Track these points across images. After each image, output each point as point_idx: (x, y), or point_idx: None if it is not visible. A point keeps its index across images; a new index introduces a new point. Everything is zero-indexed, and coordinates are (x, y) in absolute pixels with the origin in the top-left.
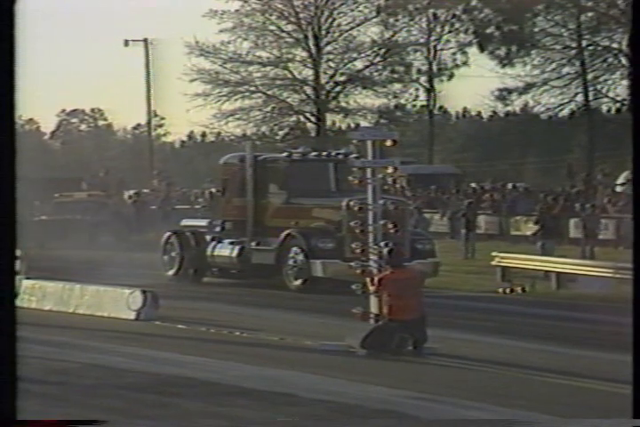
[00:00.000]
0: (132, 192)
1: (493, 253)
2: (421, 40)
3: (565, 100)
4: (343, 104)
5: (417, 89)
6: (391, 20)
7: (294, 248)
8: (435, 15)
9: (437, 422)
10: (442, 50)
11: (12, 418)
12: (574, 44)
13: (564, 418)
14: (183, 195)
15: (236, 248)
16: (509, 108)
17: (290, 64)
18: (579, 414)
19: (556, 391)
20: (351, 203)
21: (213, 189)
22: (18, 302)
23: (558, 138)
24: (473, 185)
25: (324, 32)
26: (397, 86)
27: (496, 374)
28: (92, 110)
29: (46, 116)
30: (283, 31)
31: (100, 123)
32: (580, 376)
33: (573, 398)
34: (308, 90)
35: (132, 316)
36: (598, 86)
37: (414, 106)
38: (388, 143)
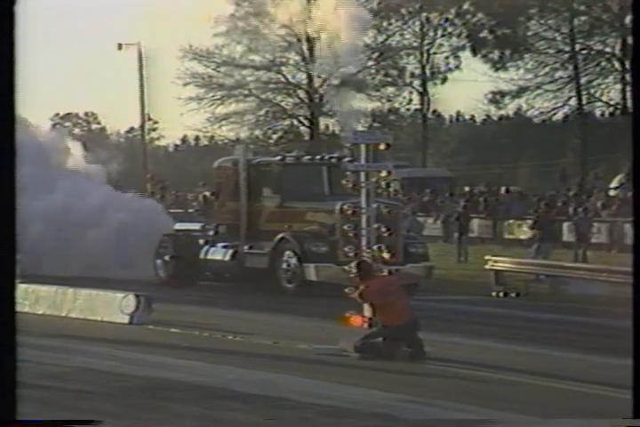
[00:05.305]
0: None
1: (487, 257)
2: (414, 44)
3: (559, 104)
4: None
5: (410, 93)
6: (384, 23)
7: (288, 252)
8: (428, 19)
9: (431, 425)
10: (435, 54)
11: (11, 418)
12: (567, 48)
13: (558, 419)
14: (177, 198)
15: (230, 252)
16: (503, 112)
17: (283, 68)
18: (572, 418)
19: (549, 395)
20: (345, 206)
21: (207, 193)
22: None
23: (552, 142)
24: (466, 188)
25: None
26: (391, 90)
27: (489, 378)
28: (86, 114)
29: (40, 119)
30: (276, 35)
31: (94, 126)
32: (573, 380)
33: (567, 401)
34: (302, 93)
35: (126, 320)
36: (591, 90)
37: (408, 109)
38: (382, 147)
